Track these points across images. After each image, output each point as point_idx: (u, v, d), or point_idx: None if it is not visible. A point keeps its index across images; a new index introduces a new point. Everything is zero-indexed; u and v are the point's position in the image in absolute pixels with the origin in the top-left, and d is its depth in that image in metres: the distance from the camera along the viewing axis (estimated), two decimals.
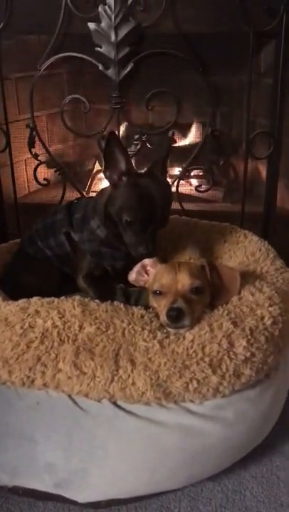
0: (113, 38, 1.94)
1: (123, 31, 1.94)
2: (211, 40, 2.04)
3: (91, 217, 1.54)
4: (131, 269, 1.44)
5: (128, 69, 1.99)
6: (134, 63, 1.99)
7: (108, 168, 1.44)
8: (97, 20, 1.95)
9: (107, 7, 1.92)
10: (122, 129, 2.25)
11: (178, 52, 1.98)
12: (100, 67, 2.01)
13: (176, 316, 1.22)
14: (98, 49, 1.98)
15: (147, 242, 1.41)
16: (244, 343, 1.22)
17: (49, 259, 1.63)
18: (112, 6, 1.91)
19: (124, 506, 1.35)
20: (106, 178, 1.46)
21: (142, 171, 1.55)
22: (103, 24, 1.94)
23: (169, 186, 1.54)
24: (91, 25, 1.95)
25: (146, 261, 1.41)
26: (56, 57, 2.05)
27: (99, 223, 1.51)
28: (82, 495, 1.28)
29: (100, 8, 1.93)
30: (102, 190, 1.57)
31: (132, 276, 1.43)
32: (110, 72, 2.01)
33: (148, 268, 1.41)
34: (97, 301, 1.31)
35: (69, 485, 1.26)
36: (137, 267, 1.42)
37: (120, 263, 1.55)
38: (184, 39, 1.96)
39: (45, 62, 2.07)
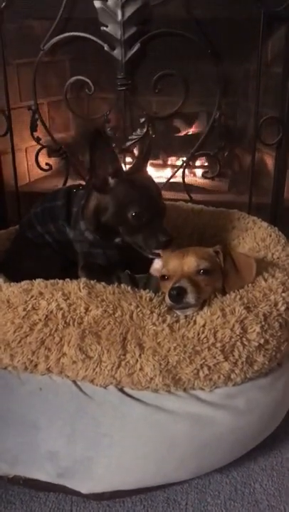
0: (120, 16, 1.89)
1: (130, 10, 1.88)
2: (219, 24, 1.99)
3: (80, 218, 1.47)
4: (127, 260, 1.42)
5: (135, 49, 1.94)
6: (141, 44, 1.94)
7: (93, 172, 1.34)
8: None
9: None
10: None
11: (186, 33, 1.92)
12: (106, 47, 1.95)
13: (176, 295, 1.16)
14: (104, 28, 1.93)
15: (164, 230, 1.37)
16: (258, 329, 1.17)
17: (50, 244, 1.56)
18: None
19: (128, 498, 1.30)
20: (90, 184, 1.37)
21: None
22: (110, 2, 1.89)
23: (153, 180, 1.51)
24: (97, 4, 1.90)
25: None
26: (61, 36, 2.00)
27: (86, 227, 1.46)
28: (86, 485, 1.23)
29: None
30: (85, 196, 1.46)
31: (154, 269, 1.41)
32: (116, 52, 1.96)
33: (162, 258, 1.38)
34: (103, 283, 1.25)
35: (72, 474, 1.21)
36: (155, 261, 1.40)
37: (115, 258, 1.50)
38: (193, 20, 1.91)
39: (48, 43, 2.01)
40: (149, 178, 1.48)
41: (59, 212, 1.52)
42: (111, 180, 1.37)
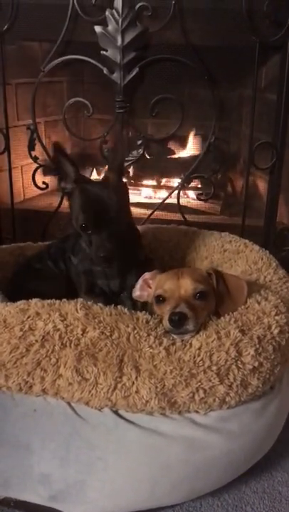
0: (119, 41, 1.93)
1: (130, 35, 1.93)
2: (216, 51, 2.05)
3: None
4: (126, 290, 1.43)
5: (133, 73, 1.98)
6: (140, 68, 1.99)
7: (61, 179, 1.45)
8: (103, 23, 1.94)
9: (114, 11, 1.91)
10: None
11: (184, 59, 1.98)
12: (105, 70, 1.99)
13: (178, 320, 1.17)
14: (104, 52, 1.97)
15: (105, 244, 1.37)
16: (252, 352, 1.19)
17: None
18: (120, 10, 1.90)
19: None
20: (60, 189, 1.49)
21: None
22: (110, 28, 1.93)
23: (123, 189, 1.49)
24: (97, 29, 1.94)
25: (147, 275, 1.39)
26: (62, 59, 2.03)
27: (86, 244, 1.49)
28: (78, 509, 1.22)
29: (107, 12, 1.92)
30: None
31: (136, 292, 1.40)
32: (115, 76, 2.00)
33: (149, 281, 1.39)
34: (100, 304, 1.26)
35: (65, 498, 1.20)
36: (139, 283, 1.40)
37: (115, 283, 1.52)
38: (190, 47, 1.96)
39: (49, 65, 2.05)
40: (111, 188, 1.41)
41: (68, 250, 1.59)
42: (73, 186, 1.43)
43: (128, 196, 1.52)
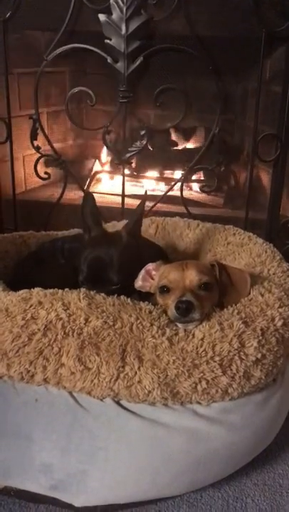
0: (124, 30, 1.91)
1: (134, 24, 1.91)
2: (221, 42, 2.03)
3: None
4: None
5: (137, 63, 1.96)
6: (144, 57, 1.96)
7: (84, 228, 1.48)
8: (108, 12, 1.92)
9: None
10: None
11: (188, 49, 1.95)
12: (109, 60, 1.97)
13: (185, 308, 1.17)
14: (108, 41, 1.95)
15: None
16: (255, 343, 1.18)
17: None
18: None
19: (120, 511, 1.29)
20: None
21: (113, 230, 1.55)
22: (114, 16, 1.91)
23: (132, 250, 1.45)
24: (102, 17, 1.92)
25: (150, 265, 1.38)
26: (65, 47, 2.01)
27: None
28: (79, 498, 1.21)
29: (112, 0, 1.89)
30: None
31: (138, 283, 1.39)
32: (119, 65, 1.98)
33: (152, 272, 1.37)
34: (103, 294, 1.25)
35: (66, 487, 1.20)
36: (141, 273, 1.39)
37: None
38: (195, 37, 1.94)
39: (52, 54, 2.03)
40: (119, 248, 1.40)
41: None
42: (88, 238, 1.47)
43: (138, 255, 1.48)
